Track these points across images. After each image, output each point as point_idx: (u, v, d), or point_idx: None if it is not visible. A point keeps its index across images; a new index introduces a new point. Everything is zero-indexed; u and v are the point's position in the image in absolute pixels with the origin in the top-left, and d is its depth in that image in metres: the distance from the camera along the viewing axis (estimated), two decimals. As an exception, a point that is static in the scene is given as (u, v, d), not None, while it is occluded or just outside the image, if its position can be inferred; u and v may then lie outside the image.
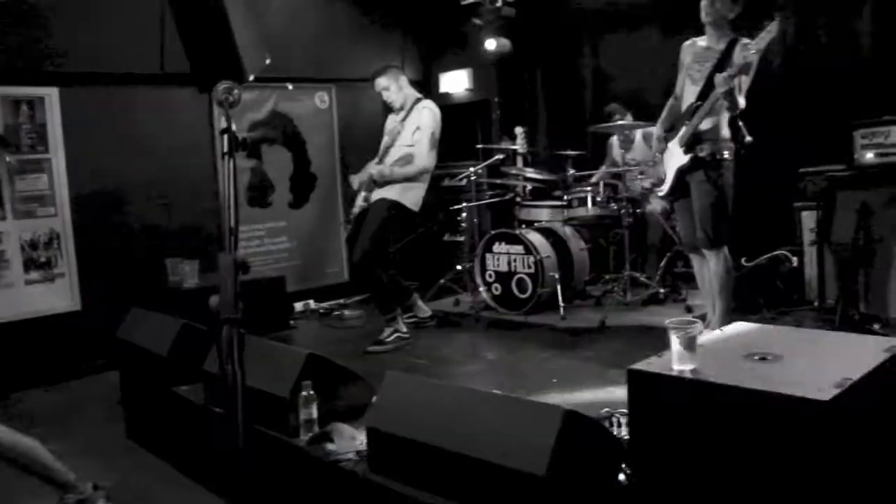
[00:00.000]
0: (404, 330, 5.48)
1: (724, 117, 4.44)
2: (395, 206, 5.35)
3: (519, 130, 6.90)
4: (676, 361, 2.35)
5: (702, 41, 4.55)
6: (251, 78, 2.04)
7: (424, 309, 6.01)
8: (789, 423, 2.05)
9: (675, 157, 4.55)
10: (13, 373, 5.26)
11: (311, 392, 3.25)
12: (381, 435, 2.89)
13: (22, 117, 5.61)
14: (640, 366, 2.44)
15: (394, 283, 5.56)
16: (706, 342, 2.55)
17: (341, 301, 7.20)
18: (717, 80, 4.20)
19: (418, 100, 5.53)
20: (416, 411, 2.83)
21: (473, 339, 5.72)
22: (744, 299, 5.30)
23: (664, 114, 4.84)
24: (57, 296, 5.75)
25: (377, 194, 5.42)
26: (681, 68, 4.68)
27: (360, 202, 5.54)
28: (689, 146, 4.46)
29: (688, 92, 4.57)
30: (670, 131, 4.65)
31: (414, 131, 5.36)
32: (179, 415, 3.95)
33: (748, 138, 5.40)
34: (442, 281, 6.88)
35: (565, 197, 6.25)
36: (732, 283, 4.58)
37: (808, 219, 5.27)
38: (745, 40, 4.25)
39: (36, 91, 5.67)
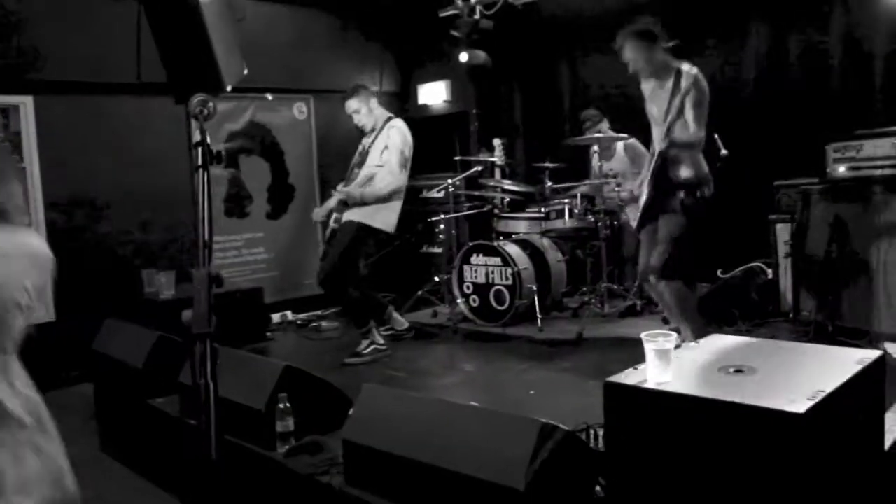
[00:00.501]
0: (381, 342, 5.46)
1: (689, 159, 4.43)
2: (362, 229, 5.32)
3: (497, 142, 6.92)
4: (652, 374, 2.36)
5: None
6: (229, 88, 2.03)
7: (401, 321, 5.99)
8: (763, 435, 2.07)
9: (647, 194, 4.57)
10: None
11: (288, 404, 3.24)
12: (357, 448, 2.88)
13: (-5, 126, 5.57)
14: (616, 378, 2.45)
15: (365, 299, 5.54)
16: (682, 355, 2.57)
17: (319, 312, 7.17)
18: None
19: (388, 119, 5.50)
20: (393, 424, 2.83)
21: (451, 351, 5.71)
22: (719, 311, 5.35)
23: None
24: (30, 307, 5.67)
25: (346, 216, 5.38)
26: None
27: (332, 224, 5.51)
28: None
29: (654, 132, 4.56)
30: None
31: (382, 151, 5.32)
32: (154, 427, 3.92)
33: (724, 151, 5.46)
34: (420, 293, 6.88)
35: (543, 209, 6.27)
36: (694, 303, 4.57)
37: (783, 231, 5.32)
38: (686, 67, 4.29)
39: (10, 99, 5.62)
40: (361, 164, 5.46)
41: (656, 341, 2.36)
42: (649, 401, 2.34)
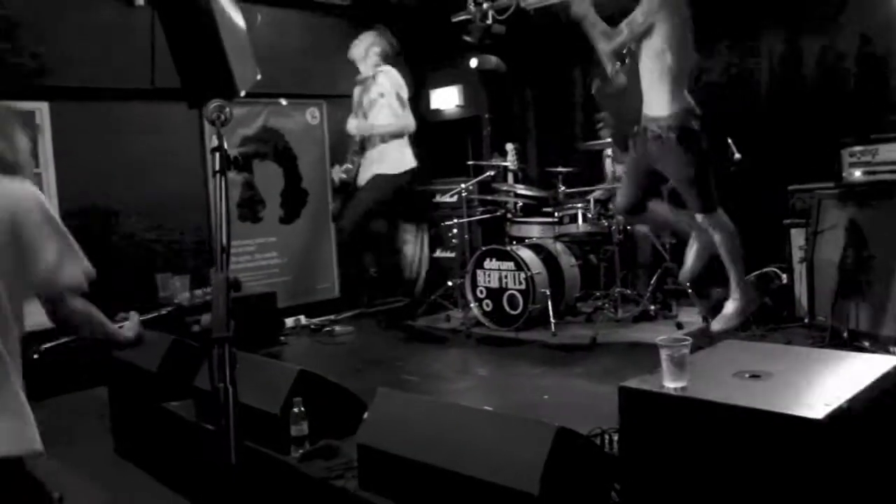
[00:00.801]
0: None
1: (662, 85, 4.41)
2: (384, 179, 5.36)
3: (510, 147, 6.91)
4: (667, 379, 2.35)
5: None
6: (242, 93, 2.04)
7: None
8: (781, 441, 2.06)
9: None
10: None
11: (302, 408, 3.24)
12: (372, 452, 2.88)
13: (12, 132, 5.59)
14: (631, 383, 2.45)
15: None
16: (697, 360, 2.56)
17: (332, 317, 7.17)
18: None
19: (377, 67, 5.54)
20: (408, 428, 2.83)
21: (464, 356, 5.71)
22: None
23: None
24: (46, 311, 5.70)
25: (370, 170, 5.39)
26: None
27: (347, 168, 5.51)
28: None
29: None
30: None
31: (378, 98, 5.36)
32: (169, 431, 3.93)
33: (737, 156, 5.44)
34: (433, 297, 6.88)
35: (556, 213, 6.27)
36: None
37: (798, 236, 5.28)
38: None
39: (26, 105, 5.65)
40: (365, 114, 5.47)
41: (672, 346, 2.35)
42: (665, 406, 2.34)
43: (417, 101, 8.15)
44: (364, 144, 5.44)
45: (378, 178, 5.35)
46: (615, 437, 2.89)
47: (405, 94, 5.41)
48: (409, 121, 5.41)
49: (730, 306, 4.62)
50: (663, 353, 2.36)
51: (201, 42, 2.01)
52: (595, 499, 2.56)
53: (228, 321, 1.49)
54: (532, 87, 7.87)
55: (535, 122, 7.88)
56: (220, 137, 1.75)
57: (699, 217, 4.52)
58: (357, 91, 5.59)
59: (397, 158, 5.37)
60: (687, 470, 2.27)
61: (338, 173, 5.66)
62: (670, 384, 2.34)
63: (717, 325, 4.63)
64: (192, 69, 2.09)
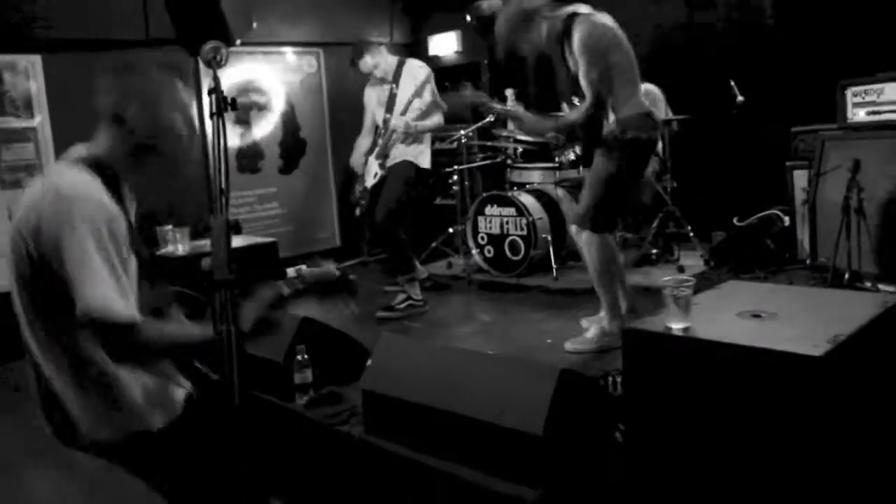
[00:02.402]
0: (418, 296, 5.38)
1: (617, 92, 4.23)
2: (415, 169, 5.33)
3: (509, 93, 6.84)
4: (671, 320, 2.35)
5: None
6: (238, 42, 2.01)
7: (421, 270, 5.87)
8: (783, 378, 2.07)
9: None
10: (6, 344, 5.25)
11: (306, 356, 3.26)
12: (376, 397, 2.90)
13: (6, 85, 5.54)
14: (634, 325, 2.46)
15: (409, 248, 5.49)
16: (700, 301, 2.56)
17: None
18: None
19: (402, 62, 5.46)
20: (412, 373, 2.84)
21: (467, 302, 5.72)
22: (735, 258, 5.33)
23: None
24: (47, 264, 5.71)
25: (397, 156, 5.34)
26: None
27: (375, 170, 5.43)
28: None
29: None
30: None
31: (414, 92, 5.26)
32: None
33: (740, 98, 5.39)
34: (434, 244, 6.87)
35: (557, 159, 6.23)
36: (619, 268, 4.33)
37: (800, 178, 5.24)
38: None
39: (18, 59, 5.59)
40: (390, 109, 5.38)
41: (676, 288, 2.35)
42: (668, 346, 2.34)
43: (416, 47, 8.07)
44: (379, 141, 5.40)
45: (404, 164, 5.31)
46: (619, 379, 2.92)
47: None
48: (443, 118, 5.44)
49: (593, 330, 4.34)
50: (667, 295, 2.36)
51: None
52: (599, 439, 2.58)
53: (229, 263, 1.48)
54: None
55: (534, 66, 7.78)
56: (216, 79, 1.73)
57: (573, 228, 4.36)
58: (378, 90, 5.49)
59: (418, 154, 5.34)
60: (690, 409, 2.29)
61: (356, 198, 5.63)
62: (674, 325, 2.34)
63: (570, 345, 4.28)
64: (187, 19, 2.06)
